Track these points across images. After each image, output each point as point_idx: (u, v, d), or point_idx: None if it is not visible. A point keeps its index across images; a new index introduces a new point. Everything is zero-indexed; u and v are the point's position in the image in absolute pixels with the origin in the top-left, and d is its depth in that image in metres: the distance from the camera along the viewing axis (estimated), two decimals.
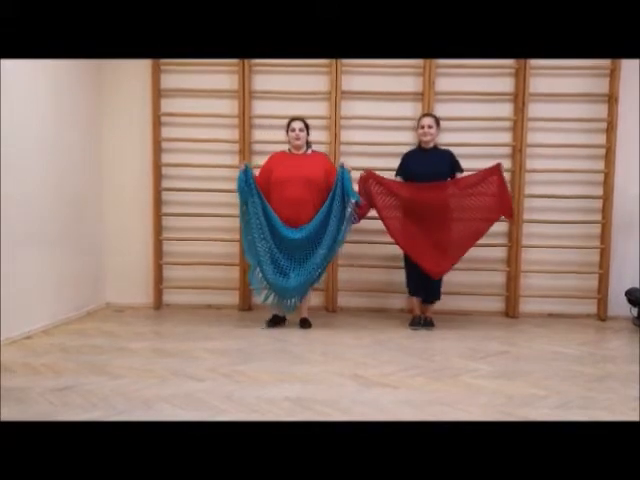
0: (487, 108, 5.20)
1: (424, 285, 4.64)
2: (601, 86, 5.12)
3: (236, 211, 5.20)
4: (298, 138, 4.54)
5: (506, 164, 5.19)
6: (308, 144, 4.65)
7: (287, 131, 4.59)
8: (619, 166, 5.08)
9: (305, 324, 4.70)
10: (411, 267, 4.62)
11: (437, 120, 4.63)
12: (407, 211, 4.53)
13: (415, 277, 4.62)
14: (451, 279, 5.06)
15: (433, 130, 4.58)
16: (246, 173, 4.42)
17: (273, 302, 4.60)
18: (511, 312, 5.23)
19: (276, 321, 4.72)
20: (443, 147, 4.72)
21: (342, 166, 4.49)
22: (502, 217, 4.67)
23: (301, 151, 4.60)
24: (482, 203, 4.50)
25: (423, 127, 4.58)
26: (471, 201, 4.50)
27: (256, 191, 4.44)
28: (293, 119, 4.60)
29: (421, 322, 4.71)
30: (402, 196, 4.51)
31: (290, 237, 4.43)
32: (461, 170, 4.61)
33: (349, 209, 4.47)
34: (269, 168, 4.56)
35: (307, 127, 4.61)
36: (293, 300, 4.58)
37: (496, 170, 4.49)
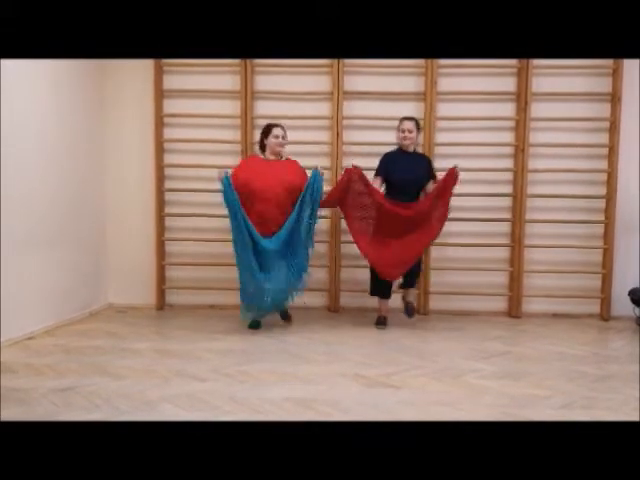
0: (489, 108, 5.19)
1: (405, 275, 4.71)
2: (604, 85, 5.11)
3: None
4: (282, 145, 4.52)
5: (508, 164, 5.20)
6: None
7: (267, 136, 4.51)
8: (622, 165, 5.07)
9: (285, 317, 4.77)
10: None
11: (418, 124, 4.64)
12: (378, 218, 4.49)
13: (376, 278, 4.66)
14: (453, 279, 5.07)
15: (413, 134, 4.57)
16: (228, 182, 4.27)
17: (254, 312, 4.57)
18: (514, 312, 5.22)
19: (258, 323, 4.70)
20: (421, 152, 4.74)
21: (316, 169, 4.46)
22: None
23: (278, 157, 4.56)
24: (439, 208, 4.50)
25: (404, 131, 4.56)
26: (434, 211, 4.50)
27: (237, 201, 4.30)
28: (275, 125, 4.53)
29: (384, 322, 4.75)
30: (378, 203, 4.45)
31: (267, 247, 4.36)
32: (434, 177, 4.60)
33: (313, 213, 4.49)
34: (247, 173, 4.42)
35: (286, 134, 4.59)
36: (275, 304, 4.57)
37: (451, 174, 4.43)
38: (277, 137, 4.49)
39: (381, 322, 4.74)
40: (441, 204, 4.46)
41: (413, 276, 4.71)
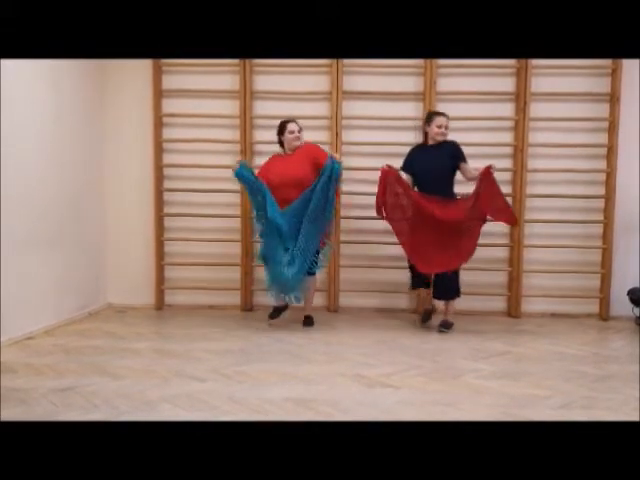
0: (488, 108, 5.19)
1: (436, 282, 4.66)
2: (603, 85, 5.11)
3: (237, 211, 5.24)
4: (299, 139, 4.56)
5: (508, 164, 5.20)
6: None
7: (283, 134, 4.58)
8: (621, 165, 5.07)
9: (308, 322, 4.74)
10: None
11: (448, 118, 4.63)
12: (416, 217, 4.45)
13: (415, 271, 4.64)
14: None
15: (447, 130, 4.54)
16: (242, 169, 4.44)
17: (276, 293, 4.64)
18: (513, 312, 5.23)
19: (278, 311, 4.73)
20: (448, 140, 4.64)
21: (333, 159, 4.45)
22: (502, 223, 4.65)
23: (300, 143, 4.61)
24: (478, 206, 4.42)
25: (440, 127, 4.49)
26: (472, 212, 4.42)
27: (258, 183, 4.46)
28: (288, 121, 4.59)
29: (430, 315, 4.74)
30: (414, 201, 4.44)
31: (279, 222, 4.41)
32: (465, 160, 4.54)
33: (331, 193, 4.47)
34: (266, 170, 4.59)
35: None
36: (295, 292, 4.57)
37: (487, 174, 4.36)
38: (292, 132, 4.55)
39: (427, 316, 4.76)
40: (484, 207, 4.41)
41: (448, 289, 4.61)
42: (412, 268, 4.69)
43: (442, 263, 4.44)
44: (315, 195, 4.40)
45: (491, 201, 4.41)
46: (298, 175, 4.46)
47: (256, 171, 4.58)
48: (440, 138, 4.53)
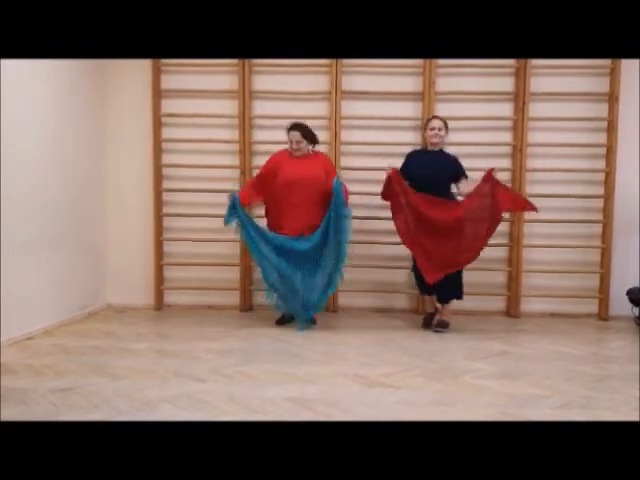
0: (487, 108, 5.19)
1: (440, 283, 4.63)
2: (602, 85, 5.12)
3: None
4: (297, 149, 4.54)
5: (507, 163, 5.21)
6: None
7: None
8: (620, 165, 5.07)
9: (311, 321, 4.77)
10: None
11: (446, 123, 4.59)
12: (419, 219, 4.45)
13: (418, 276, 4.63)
14: None
15: (442, 132, 4.54)
16: (234, 203, 4.43)
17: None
18: (513, 312, 5.23)
19: (284, 320, 4.76)
20: (450, 152, 4.63)
21: (337, 180, 4.45)
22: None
23: (300, 154, 4.59)
24: (484, 209, 4.41)
25: (433, 129, 4.52)
26: (477, 215, 4.42)
27: (246, 219, 4.50)
28: (289, 129, 4.56)
29: (431, 321, 4.70)
30: (415, 205, 4.42)
31: (297, 248, 4.44)
32: (465, 176, 4.53)
33: (344, 224, 4.49)
34: (274, 166, 4.53)
35: (305, 135, 4.55)
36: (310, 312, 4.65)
37: (489, 177, 4.36)
38: (291, 142, 4.54)
39: (428, 320, 4.73)
40: (486, 216, 4.40)
41: (447, 290, 4.61)
42: (416, 274, 4.66)
43: (446, 265, 4.44)
44: (331, 224, 4.43)
45: (508, 194, 4.45)
46: (314, 178, 4.47)
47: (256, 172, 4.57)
48: (434, 140, 4.54)
